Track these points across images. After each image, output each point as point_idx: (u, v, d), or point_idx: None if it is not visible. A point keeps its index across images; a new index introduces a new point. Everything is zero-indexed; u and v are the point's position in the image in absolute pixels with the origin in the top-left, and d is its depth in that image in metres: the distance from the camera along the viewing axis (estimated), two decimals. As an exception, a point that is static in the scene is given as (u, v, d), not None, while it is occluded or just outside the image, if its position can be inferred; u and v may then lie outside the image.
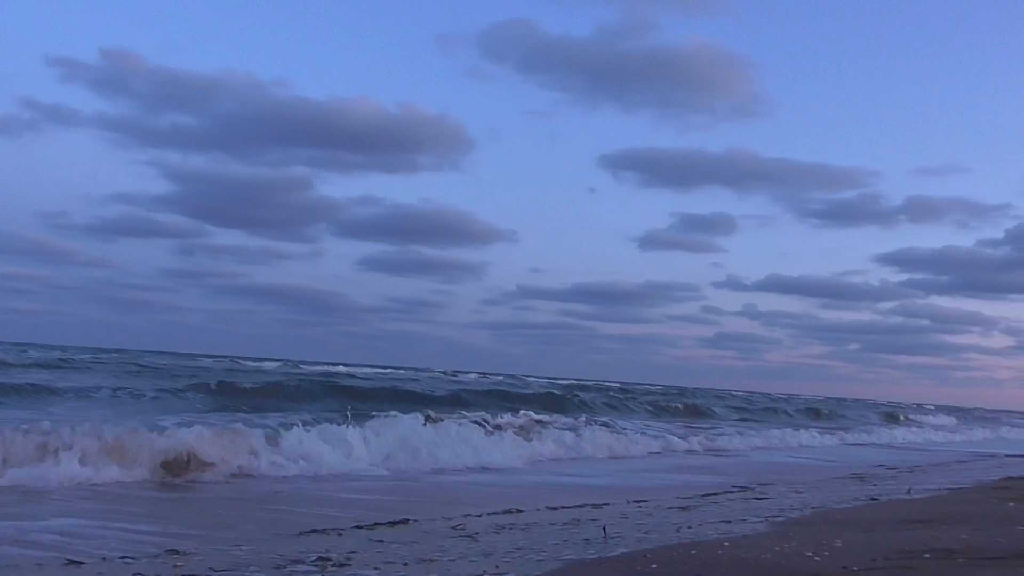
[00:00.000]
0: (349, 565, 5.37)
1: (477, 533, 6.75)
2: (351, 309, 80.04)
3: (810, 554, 5.42)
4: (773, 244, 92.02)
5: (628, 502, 9.35)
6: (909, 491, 10.85)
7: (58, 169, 79.37)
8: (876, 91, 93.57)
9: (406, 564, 5.44)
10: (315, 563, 5.41)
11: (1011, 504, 8.41)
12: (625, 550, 5.82)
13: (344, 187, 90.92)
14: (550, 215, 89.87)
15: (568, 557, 5.59)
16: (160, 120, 73.09)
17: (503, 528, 7.07)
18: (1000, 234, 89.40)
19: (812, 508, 8.75)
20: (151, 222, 72.82)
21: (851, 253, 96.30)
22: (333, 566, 5.33)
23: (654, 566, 5.13)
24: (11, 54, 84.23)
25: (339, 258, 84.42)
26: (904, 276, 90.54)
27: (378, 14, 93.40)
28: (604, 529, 6.73)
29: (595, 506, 8.97)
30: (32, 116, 72.51)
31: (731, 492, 10.89)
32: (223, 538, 6.55)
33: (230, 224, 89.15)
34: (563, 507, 8.87)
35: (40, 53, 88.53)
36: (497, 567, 5.24)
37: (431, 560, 5.53)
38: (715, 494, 10.49)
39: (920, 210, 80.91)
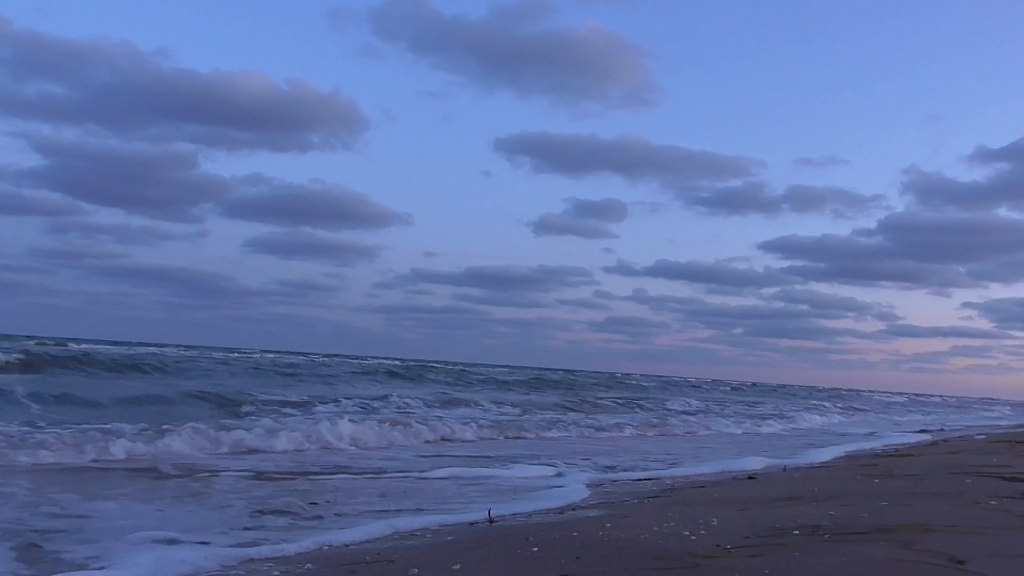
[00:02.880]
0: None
1: (360, 519, 6.65)
2: (238, 292, 78.24)
3: (687, 533, 5.55)
4: (662, 230, 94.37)
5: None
6: (785, 469, 11.28)
7: (-90, 140, 74.19)
8: (764, 83, 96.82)
9: (284, 553, 5.30)
10: None
11: (876, 480, 8.82)
12: (508, 533, 5.85)
13: (231, 165, 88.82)
14: (445, 198, 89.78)
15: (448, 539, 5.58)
16: (27, 89, 69.33)
17: (388, 514, 7.01)
18: (873, 224, 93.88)
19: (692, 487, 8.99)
20: (19, 198, 69.46)
21: (736, 240, 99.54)
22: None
23: (535, 549, 5.16)
24: None
25: (225, 239, 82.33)
26: (786, 263, 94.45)
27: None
28: (489, 512, 6.74)
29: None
30: None
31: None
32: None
33: (107, 202, 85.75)
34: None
35: None
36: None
37: (311, 548, 5.40)
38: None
39: (801, 199, 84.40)
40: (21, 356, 23.73)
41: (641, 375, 66.08)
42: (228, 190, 72.40)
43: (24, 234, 79.58)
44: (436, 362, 59.34)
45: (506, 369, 53.94)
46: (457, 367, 50.33)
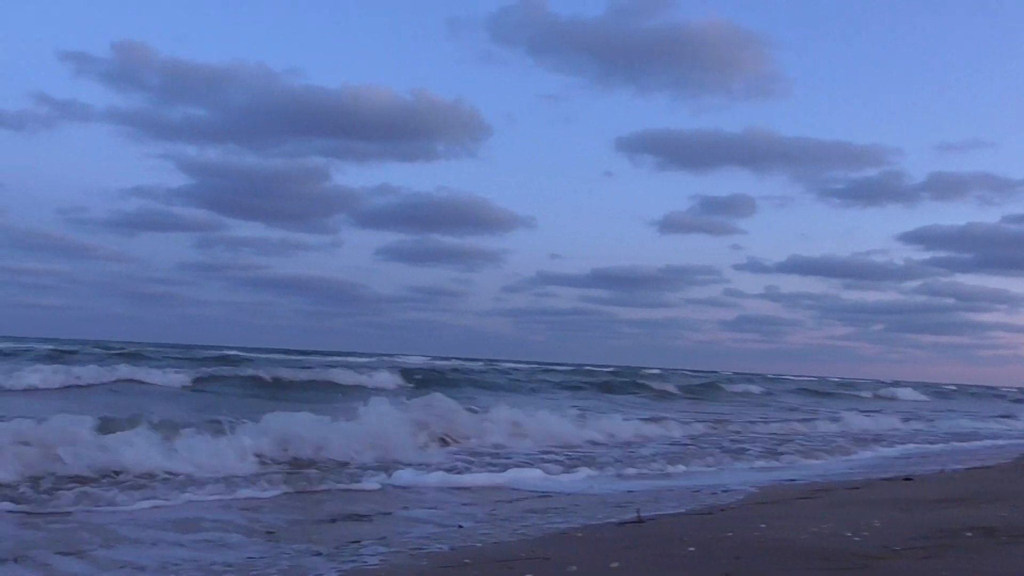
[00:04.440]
0: None
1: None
2: (371, 299, 79.98)
3: (849, 534, 5.36)
4: (794, 225, 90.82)
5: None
6: (943, 470, 10.74)
7: (74, 164, 79.18)
8: (897, 66, 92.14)
9: (441, 550, 5.39)
10: (350, 551, 5.38)
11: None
12: (660, 532, 5.79)
13: (361, 177, 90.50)
14: (568, 200, 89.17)
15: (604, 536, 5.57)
16: (173, 113, 72.79)
17: (535, 513, 7.04)
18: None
19: (845, 489, 8.68)
20: (169, 215, 72.79)
21: (873, 232, 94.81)
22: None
23: (691, 549, 5.09)
24: (24, 49, 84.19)
25: (358, 248, 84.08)
26: (928, 254, 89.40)
27: (388, 0, 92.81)
28: (638, 512, 6.69)
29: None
30: (46, 111, 72.25)
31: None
32: None
33: (248, 216, 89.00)
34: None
35: (52, 48, 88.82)
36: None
37: (466, 546, 5.48)
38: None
39: (943, 187, 79.56)
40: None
41: (775, 375, 64.09)
42: (359, 201, 74.36)
43: (175, 249, 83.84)
44: (602, 366, 58.92)
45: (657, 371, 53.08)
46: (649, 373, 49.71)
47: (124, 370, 21.38)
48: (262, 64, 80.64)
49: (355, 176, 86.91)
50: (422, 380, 27.42)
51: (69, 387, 17.92)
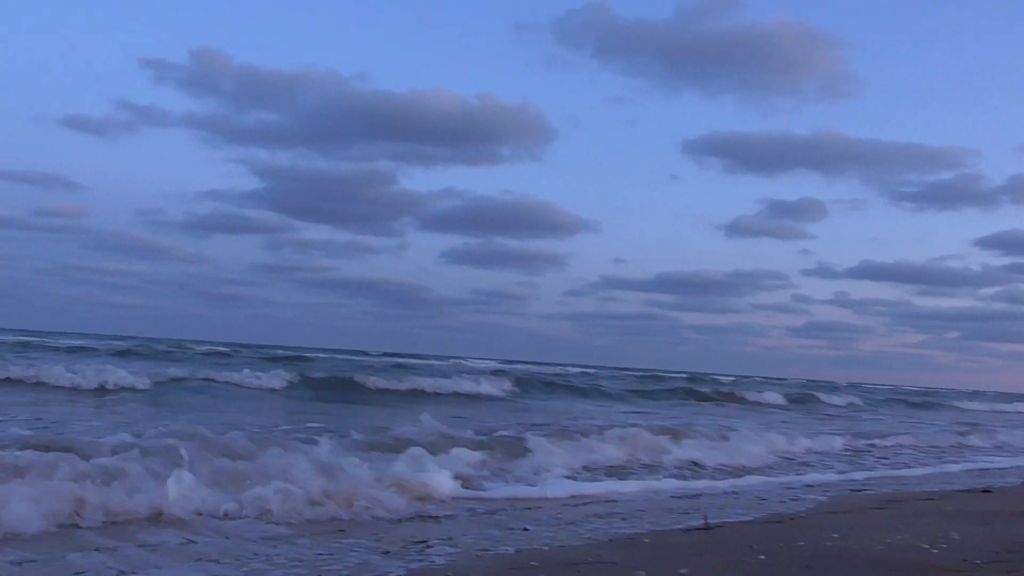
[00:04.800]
0: None
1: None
2: (436, 302, 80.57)
3: (926, 546, 5.21)
4: (865, 229, 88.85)
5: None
6: None
7: (153, 168, 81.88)
8: (974, 65, 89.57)
9: (507, 552, 5.38)
10: (417, 550, 5.41)
11: None
12: (728, 540, 5.70)
13: (426, 180, 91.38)
14: (633, 204, 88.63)
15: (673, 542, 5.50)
16: (247, 118, 74.55)
17: (601, 517, 6.99)
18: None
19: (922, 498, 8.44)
20: (242, 218, 74.46)
21: (949, 237, 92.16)
22: None
23: (761, 557, 5.00)
24: (108, 57, 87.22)
25: (423, 251, 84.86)
26: (1007, 260, 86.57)
27: (454, 5, 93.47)
28: (705, 519, 6.61)
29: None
30: (128, 117, 74.94)
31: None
32: None
33: (317, 219, 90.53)
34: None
35: (134, 56, 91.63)
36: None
37: (532, 548, 5.45)
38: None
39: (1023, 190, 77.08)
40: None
41: (849, 383, 62.58)
42: (424, 204, 75.03)
43: (246, 251, 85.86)
44: (670, 371, 58.46)
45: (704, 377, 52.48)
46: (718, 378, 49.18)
47: (205, 371, 21.61)
48: (332, 70, 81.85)
49: (421, 180, 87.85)
50: (533, 387, 27.33)
51: (159, 383, 17.94)
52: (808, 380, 64.12)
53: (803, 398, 35.91)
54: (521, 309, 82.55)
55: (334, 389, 21.80)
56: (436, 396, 22.59)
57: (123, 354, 29.13)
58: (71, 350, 29.37)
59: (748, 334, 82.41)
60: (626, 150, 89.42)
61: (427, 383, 24.01)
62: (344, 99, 69.58)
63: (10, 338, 35.39)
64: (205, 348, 38.69)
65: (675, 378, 43.13)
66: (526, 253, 78.32)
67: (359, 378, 23.69)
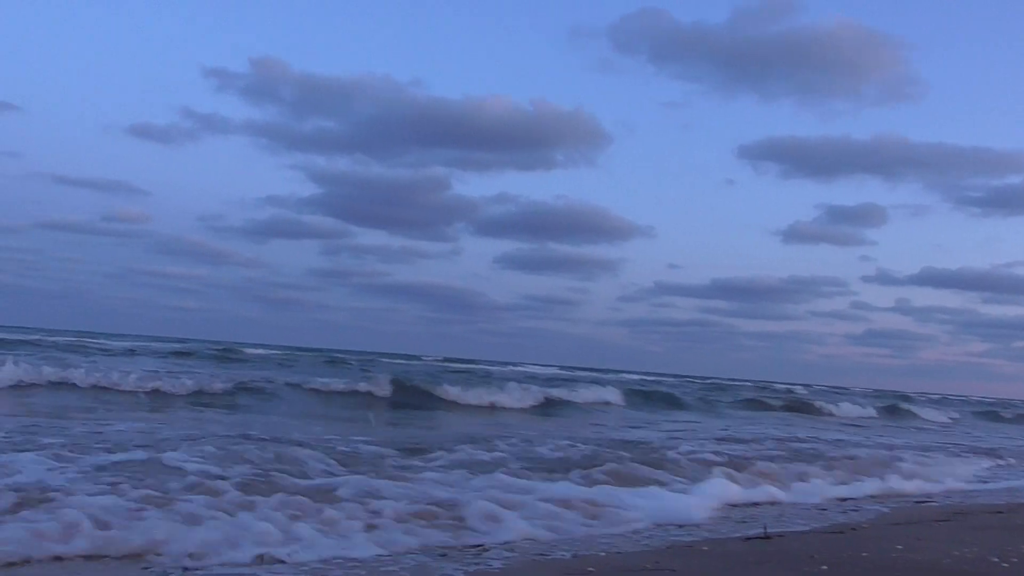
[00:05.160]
0: None
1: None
2: (489, 307, 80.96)
3: (995, 560, 5.08)
4: (928, 235, 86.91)
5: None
6: (1095, 496, 10.04)
7: (214, 175, 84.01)
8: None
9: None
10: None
11: None
12: (788, 549, 5.61)
13: (480, 186, 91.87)
14: (688, 209, 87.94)
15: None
16: (305, 125, 76.01)
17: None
18: None
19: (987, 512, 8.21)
20: (299, 223, 75.82)
21: (1016, 243, 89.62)
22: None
23: (824, 567, 4.91)
24: (173, 67, 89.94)
25: (476, 256, 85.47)
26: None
27: (509, 11, 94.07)
28: (765, 528, 6.52)
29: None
30: (191, 125, 77.06)
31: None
32: None
33: (372, 224, 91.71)
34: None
35: (197, 65, 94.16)
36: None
37: (589, 554, 5.43)
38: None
39: (1097, 194, 74.66)
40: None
41: (918, 393, 61.05)
42: (478, 209, 75.48)
43: (303, 256, 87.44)
44: (725, 379, 57.85)
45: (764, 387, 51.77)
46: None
47: (288, 376, 21.49)
48: (388, 76, 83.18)
49: (475, 185, 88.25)
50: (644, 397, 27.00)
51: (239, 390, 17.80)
52: (875, 390, 62.86)
53: (895, 411, 33.96)
54: (574, 315, 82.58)
55: (434, 398, 20.69)
56: (556, 404, 21.96)
57: (183, 355, 29.75)
58: (139, 353, 30.09)
59: (805, 341, 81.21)
60: (681, 155, 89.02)
61: (552, 392, 22.89)
62: (400, 105, 70.46)
63: (71, 339, 36.40)
64: (261, 352, 39.34)
65: (741, 387, 42.40)
66: (579, 258, 78.32)
67: (474, 389, 21.99)
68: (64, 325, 59.26)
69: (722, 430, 17.28)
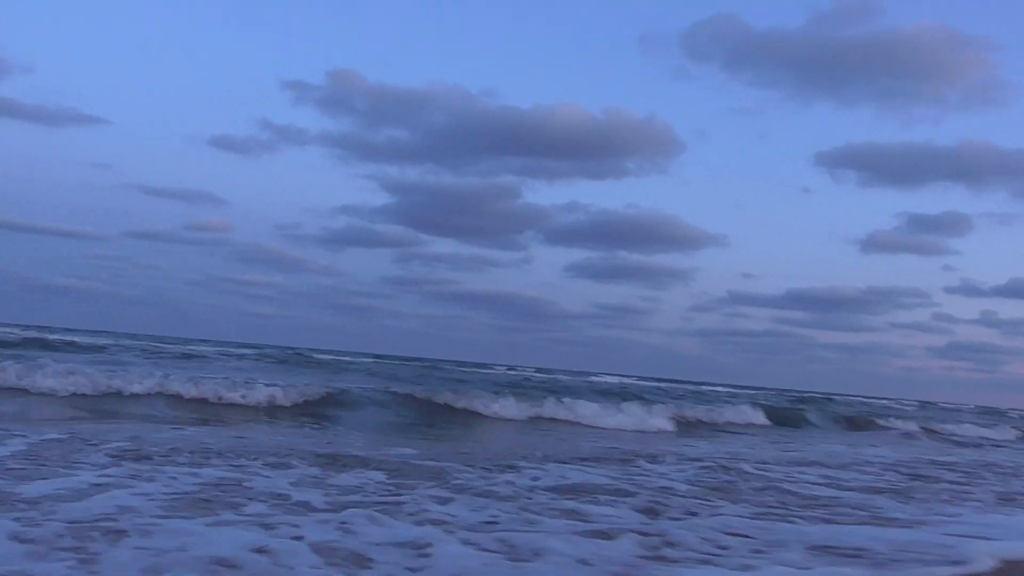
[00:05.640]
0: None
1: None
2: (559, 315, 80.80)
3: None
4: (1016, 244, 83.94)
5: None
6: None
7: (291, 184, 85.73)
8: None
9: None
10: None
11: None
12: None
13: (551, 194, 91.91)
14: (762, 218, 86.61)
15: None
16: (378, 135, 77.05)
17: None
18: None
19: None
20: (372, 232, 76.78)
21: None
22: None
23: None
24: (252, 80, 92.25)
25: (546, 265, 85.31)
26: None
27: (580, 19, 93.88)
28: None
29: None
30: (268, 136, 78.67)
31: None
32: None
33: (443, 233, 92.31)
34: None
35: (275, 78, 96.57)
36: None
37: None
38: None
39: None
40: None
41: (1009, 408, 58.70)
42: (548, 218, 75.45)
43: (376, 264, 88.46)
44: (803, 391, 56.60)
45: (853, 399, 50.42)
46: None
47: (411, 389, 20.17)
48: (460, 86, 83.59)
49: (545, 194, 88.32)
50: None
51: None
52: (978, 406, 60.92)
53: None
54: (644, 324, 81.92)
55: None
56: (695, 425, 20.48)
57: (285, 362, 30.06)
58: (236, 357, 30.58)
59: (884, 354, 79.36)
60: (755, 163, 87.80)
61: (686, 412, 21.39)
62: (471, 115, 70.89)
63: (174, 345, 37.24)
64: (347, 359, 39.71)
65: (822, 399, 40.95)
66: (651, 267, 77.76)
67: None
68: (148, 330, 61.04)
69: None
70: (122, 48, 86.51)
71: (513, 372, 46.27)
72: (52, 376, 14.42)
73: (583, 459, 10.75)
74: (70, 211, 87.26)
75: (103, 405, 13.70)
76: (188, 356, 28.44)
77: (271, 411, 15.08)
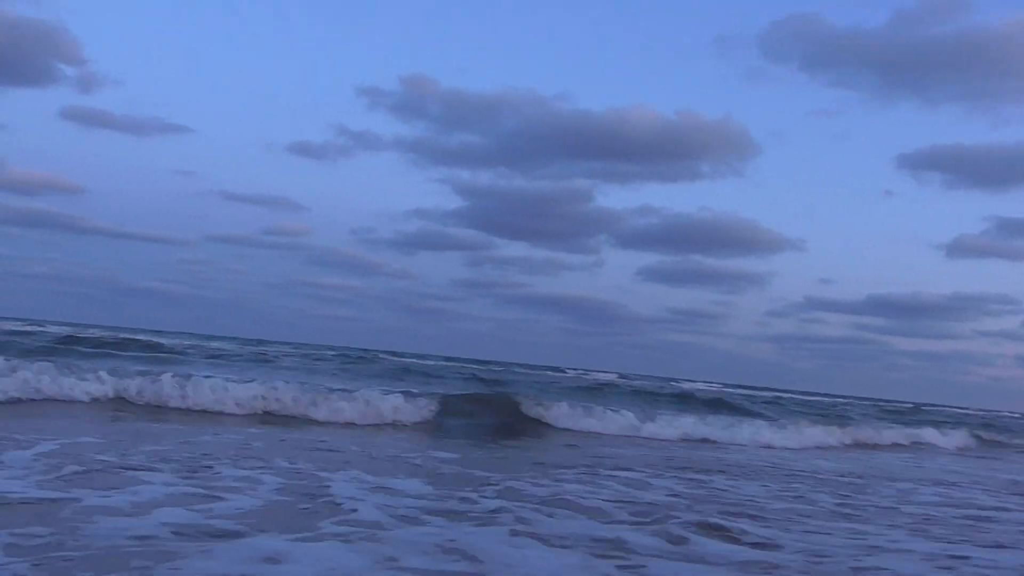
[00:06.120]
0: None
1: None
2: (630, 319, 79.79)
3: None
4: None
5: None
6: None
7: (366, 189, 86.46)
8: None
9: None
10: None
11: None
12: None
13: (623, 198, 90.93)
14: (841, 221, 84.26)
15: None
16: (451, 139, 77.19)
17: None
18: None
19: None
20: (444, 235, 76.96)
21: None
22: None
23: None
24: (328, 87, 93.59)
25: (618, 268, 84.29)
26: None
27: (654, 21, 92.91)
28: None
29: None
30: (345, 142, 79.49)
31: None
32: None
33: (515, 236, 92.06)
34: None
35: (351, 84, 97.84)
36: None
37: None
38: None
39: None
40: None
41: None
42: (620, 221, 74.49)
43: (449, 267, 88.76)
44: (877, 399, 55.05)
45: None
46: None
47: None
48: (532, 90, 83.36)
49: (617, 197, 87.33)
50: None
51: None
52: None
53: None
54: (717, 329, 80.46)
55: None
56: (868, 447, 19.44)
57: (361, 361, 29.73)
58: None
59: (970, 362, 76.65)
60: (835, 165, 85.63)
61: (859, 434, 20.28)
62: (543, 119, 70.43)
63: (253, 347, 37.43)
64: (431, 363, 39.46)
65: (910, 408, 39.44)
66: (724, 272, 76.26)
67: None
68: (229, 332, 62.22)
69: None
70: (204, 58, 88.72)
71: (591, 376, 45.54)
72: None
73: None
74: (157, 217, 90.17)
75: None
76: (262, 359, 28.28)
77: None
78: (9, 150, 79.87)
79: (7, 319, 47.84)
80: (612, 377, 48.72)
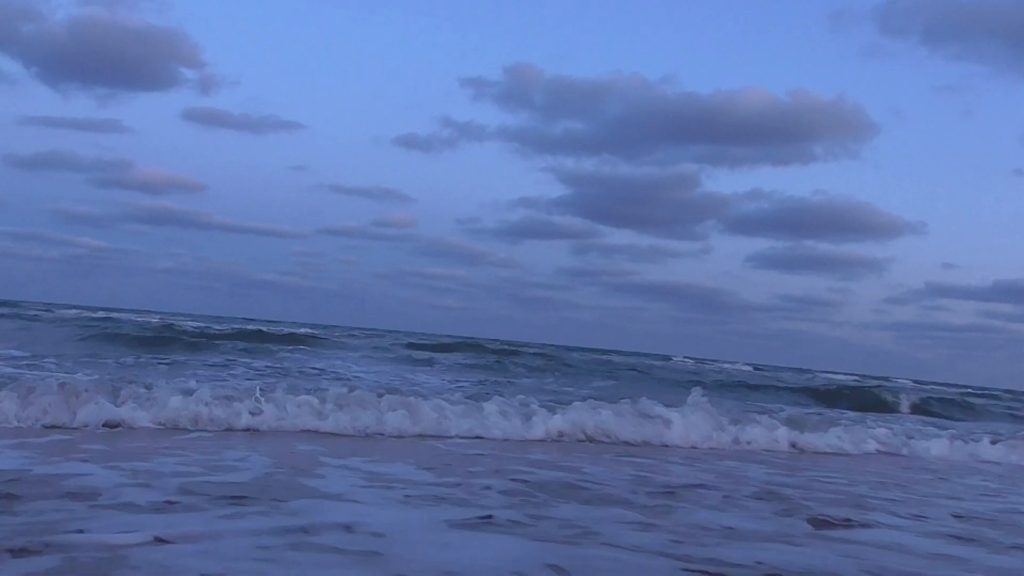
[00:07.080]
0: None
1: None
2: (740, 307, 78.22)
3: None
4: None
5: None
6: None
7: (471, 179, 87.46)
8: None
9: None
10: None
11: None
12: None
13: (732, 182, 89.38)
14: (966, 203, 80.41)
15: None
16: (555, 127, 77.13)
17: None
18: None
19: None
20: (550, 224, 77.00)
21: None
22: None
23: None
24: (433, 80, 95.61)
25: (727, 255, 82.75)
26: None
27: None
28: None
29: None
30: (449, 133, 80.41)
31: None
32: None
33: (620, 224, 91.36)
34: None
35: (455, 76, 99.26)
36: None
37: None
38: None
39: None
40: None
41: None
42: (729, 207, 72.95)
43: (554, 256, 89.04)
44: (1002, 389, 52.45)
45: None
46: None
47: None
48: (637, 74, 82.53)
49: (726, 182, 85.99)
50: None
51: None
52: None
53: None
54: (832, 317, 78.08)
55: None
56: None
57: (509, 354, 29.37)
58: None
59: (1112, 355, 72.10)
60: (959, 144, 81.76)
61: None
62: (649, 103, 69.57)
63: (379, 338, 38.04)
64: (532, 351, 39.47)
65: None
66: (840, 257, 73.96)
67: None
68: (342, 321, 64.26)
69: None
70: (314, 56, 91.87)
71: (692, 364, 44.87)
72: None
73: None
74: (272, 211, 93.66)
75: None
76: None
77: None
78: (137, 152, 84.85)
79: (136, 311, 50.33)
80: (746, 368, 47.57)
